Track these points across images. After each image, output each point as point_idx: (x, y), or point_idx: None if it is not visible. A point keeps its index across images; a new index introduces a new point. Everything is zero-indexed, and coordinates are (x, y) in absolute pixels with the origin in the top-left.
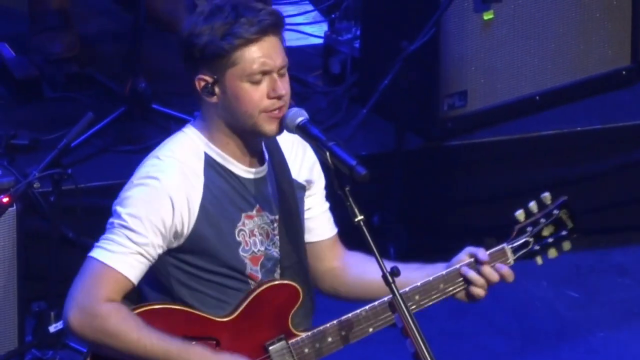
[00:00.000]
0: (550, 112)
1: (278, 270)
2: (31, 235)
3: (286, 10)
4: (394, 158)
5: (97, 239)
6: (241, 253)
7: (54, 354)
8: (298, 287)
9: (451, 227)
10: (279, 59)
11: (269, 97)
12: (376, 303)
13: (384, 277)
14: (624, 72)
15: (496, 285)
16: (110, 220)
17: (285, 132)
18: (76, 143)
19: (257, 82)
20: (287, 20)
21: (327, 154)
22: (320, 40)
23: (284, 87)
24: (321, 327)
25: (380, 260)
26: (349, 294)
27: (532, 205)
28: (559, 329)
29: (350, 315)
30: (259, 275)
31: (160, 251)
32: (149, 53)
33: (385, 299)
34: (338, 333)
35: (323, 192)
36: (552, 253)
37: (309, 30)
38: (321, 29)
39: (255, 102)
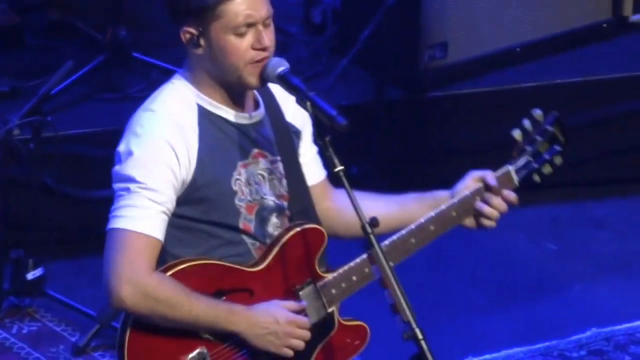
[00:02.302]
0: (530, 64)
1: (273, 219)
2: (10, 183)
3: None
4: (374, 109)
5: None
6: (237, 202)
7: (32, 301)
8: (323, 229)
9: (430, 178)
10: (263, 10)
11: (254, 49)
12: (394, 237)
13: (363, 227)
14: (604, 25)
15: (474, 236)
16: (121, 185)
17: None
18: (56, 90)
19: (242, 35)
20: None
21: (308, 103)
22: None
23: (268, 38)
24: (345, 267)
25: (359, 211)
26: (348, 231)
27: (527, 123)
28: (536, 282)
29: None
30: (252, 226)
31: (174, 205)
32: (131, 2)
33: (403, 231)
34: (361, 271)
35: (311, 137)
36: (547, 169)
37: None
38: None
39: (240, 53)
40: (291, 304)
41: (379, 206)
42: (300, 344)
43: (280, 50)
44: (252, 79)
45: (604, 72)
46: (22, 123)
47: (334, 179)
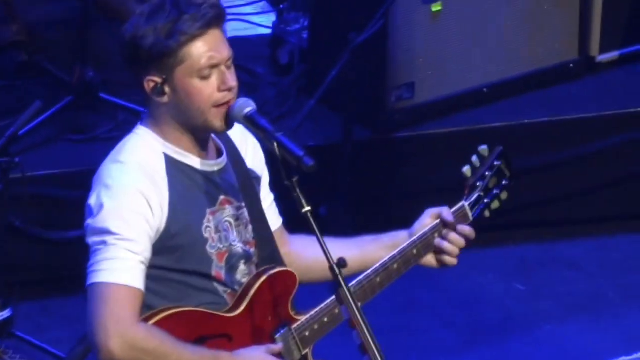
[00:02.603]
0: (498, 104)
1: (241, 267)
2: None
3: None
4: (342, 149)
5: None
6: (208, 249)
7: (0, 343)
8: (294, 272)
9: (398, 218)
10: (225, 51)
11: (219, 91)
12: (362, 277)
13: (331, 268)
14: (571, 65)
15: (443, 277)
16: (95, 239)
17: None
18: (24, 131)
19: (206, 77)
20: (236, 10)
21: (275, 144)
22: (269, 31)
23: (232, 79)
24: (317, 309)
25: (327, 252)
26: (308, 274)
27: (475, 159)
28: (506, 322)
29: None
30: (222, 273)
31: (151, 254)
32: (98, 41)
33: (369, 272)
34: (331, 312)
35: (268, 184)
36: (495, 204)
37: (257, 20)
38: (269, 19)
39: (205, 97)
40: (272, 347)
41: (338, 249)
42: None
43: (248, 90)
44: (217, 122)
45: (572, 111)
46: None
47: (300, 220)
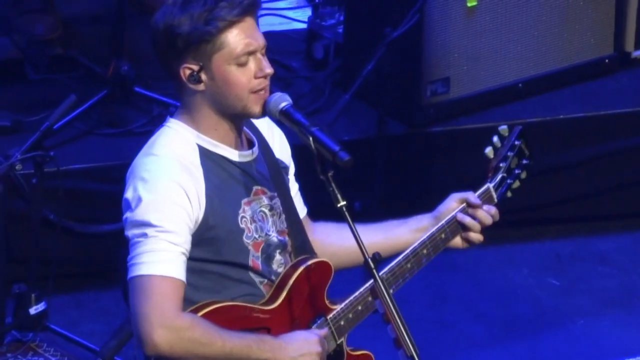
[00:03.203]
0: (533, 99)
1: (277, 256)
2: (13, 217)
3: None
4: (377, 144)
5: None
6: (245, 240)
7: (34, 336)
8: (329, 262)
9: None
10: (260, 39)
11: (256, 77)
12: (393, 264)
13: (366, 263)
14: (606, 61)
15: (477, 272)
16: (135, 231)
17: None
18: (59, 125)
19: (243, 64)
20: (271, 5)
21: (311, 139)
22: (304, 25)
23: (268, 65)
24: (351, 297)
25: (362, 247)
26: (334, 262)
27: (495, 140)
28: (539, 317)
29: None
30: (259, 263)
31: (191, 246)
32: (132, 36)
33: (399, 257)
34: (365, 300)
35: (294, 173)
36: (516, 184)
37: (293, 15)
38: (305, 13)
39: (244, 83)
40: (318, 331)
41: (366, 234)
42: None
43: (283, 85)
44: (256, 109)
45: (606, 107)
46: (24, 158)
47: (337, 214)
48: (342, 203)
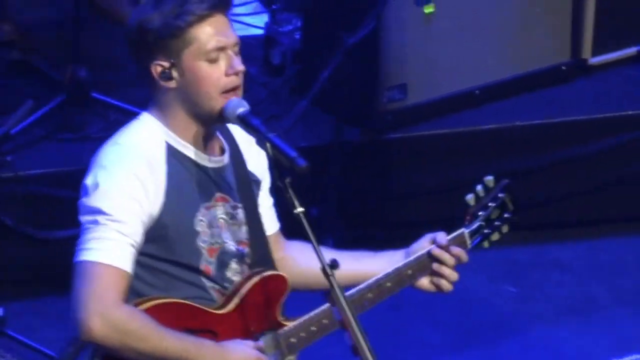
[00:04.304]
0: (489, 106)
1: (233, 265)
2: None
3: None
4: (334, 150)
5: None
6: (199, 243)
7: None
8: (286, 276)
9: (389, 220)
10: (232, 36)
11: (227, 75)
12: (353, 290)
13: (323, 269)
14: (563, 68)
15: None
16: (88, 217)
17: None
18: (16, 130)
19: (214, 60)
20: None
21: (268, 145)
22: (261, 31)
23: (239, 63)
24: (305, 317)
25: (319, 252)
26: (302, 280)
27: (479, 189)
28: (497, 324)
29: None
30: (211, 268)
31: (142, 239)
32: (90, 41)
33: (362, 286)
34: (319, 321)
35: (269, 188)
36: (495, 236)
37: (250, 21)
38: (262, 19)
39: (214, 80)
40: (257, 343)
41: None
42: None
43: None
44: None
45: (564, 114)
46: None
47: (293, 221)
48: (300, 209)
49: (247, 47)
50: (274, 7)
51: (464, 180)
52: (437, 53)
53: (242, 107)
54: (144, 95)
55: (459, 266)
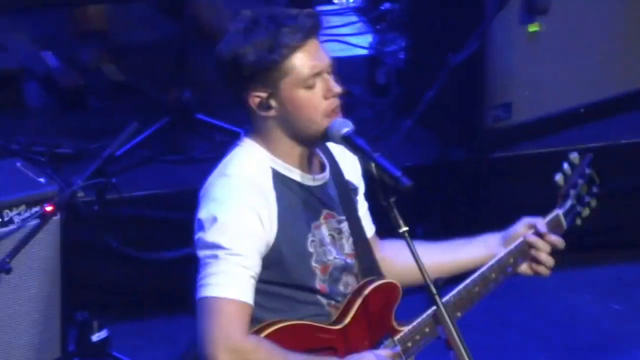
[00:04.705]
0: (594, 124)
1: (343, 278)
2: (75, 245)
3: (332, 20)
4: (439, 169)
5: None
6: (313, 264)
7: None
8: (397, 283)
9: None
10: (325, 58)
11: (326, 98)
12: (461, 288)
13: (428, 290)
14: None
15: (538, 297)
16: (207, 252)
17: None
18: (120, 152)
19: (311, 87)
20: (333, 31)
21: (373, 165)
22: (366, 51)
23: (336, 85)
24: (418, 319)
25: (425, 272)
26: (399, 280)
27: (566, 167)
28: (601, 343)
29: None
30: (326, 286)
31: (260, 269)
32: (194, 63)
33: (467, 282)
34: (433, 323)
35: (363, 193)
36: (586, 212)
37: (355, 41)
38: (366, 40)
39: (314, 106)
40: (386, 351)
41: (431, 255)
42: None
43: (345, 111)
44: None
45: None
46: (86, 185)
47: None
48: (405, 229)
49: (351, 67)
50: (378, 27)
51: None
52: (541, 71)
53: (347, 127)
54: (247, 117)
55: (565, 285)
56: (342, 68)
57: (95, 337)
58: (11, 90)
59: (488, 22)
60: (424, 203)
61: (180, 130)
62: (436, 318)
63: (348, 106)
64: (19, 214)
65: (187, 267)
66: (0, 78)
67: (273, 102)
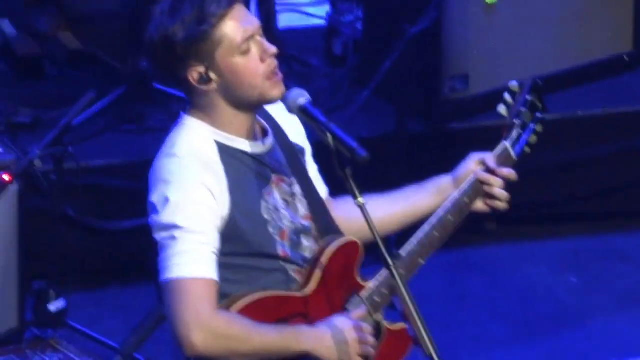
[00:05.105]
0: (551, 96)
1: (304, 242)
2: (32, 214)
3: None
4: (395, 140)
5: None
6: (270, 230)
7: (54, 333)
8: (357, 241)
9: None
10: (255, 21)
11: (262, 61)
12: (421, 235)
13: (385, 262)
14: (625, 57)
15: (497, 270)
16: (164, 234)
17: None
18: (78, 121)
19: (246, 52)
20: (290, 0)
21: (329, 135)
22: (323, 22)
23: (270, 45)
24: (382, 273)
25: (382, 245)
26: (358, 238)
27: (507, 97)
28: (559, 315)
29: (401, 252)
30: (287, 250)
31: (219, 243)
32: None
33: (426, 227)
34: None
35: (311, 154)
36: (533, 139)
37: (311, 11)
38: (323, 10)
39: (253, 70)
40: (355, 312)
41: (385, 206)
42: (370, 351)
43: (301, 81)
44: (274, 93)
45: (625, 104)
46: (43, 154)
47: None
48: (361, 200)
49: (308, 37)
50: None
51: (525, 170)
52: (498, 43)
53: (303, 98)
54: (186, 95)
55: (522, 258)
56: (299, 38)
57: (53, 307)
58: None
59: None
60: (381, 174)
61: (137, 100)
62: (392, 289)
63: (305, 77)
64: None
65: (144, 236)
66: None
67: (212, 75)
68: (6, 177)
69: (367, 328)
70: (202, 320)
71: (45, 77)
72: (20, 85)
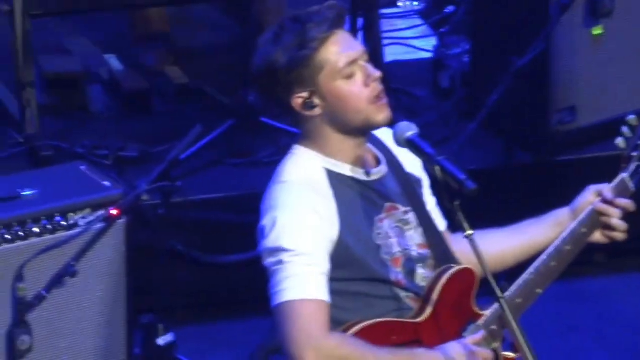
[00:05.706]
0: None
1: (419, 270)
2: (140, 248)
3: (395, 24)
4: (504, 173)
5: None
6: (383, 256)
7: None
8: (473, 268)
9: None
10: (358, 46)
11: (366, 85)
12: (536, 263)
13: (496, 297)
14: None
15: (610, 302)
16: (272, 259)
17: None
18: (185, 155)
19: (350, 76)
20: (397, 34)
21: (437, 168)
22: (430, 55)
23: (374, 70)
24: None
25: (491, 277)
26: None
27: (625, 130)
28: None
29: (519, 281)
30: (401, 278)
31: (329, 265)
32: None
33: (543, 257)
34: (514, 303)
35: (429, 186)
36: None
37: (418, 44)
38: (430, 43)
39: (357, 95)
40: (471, 338)
41: (502, 241)
42: None
43: (409, 114)
44: (379, 117)
45: None
46: (151, 188)
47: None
48: (470, 232)
49: (415, 70)
50: (442, 30)
51: (636, 201)
52: (606, 74)
53: (411, 130)
54: (294, 124)
55: (633, 288)
56: (405, 71)
57: (161, 341)
58: (75, 93)
59: (552, 24)
60: (489, 207)
61: (244, 133)
62: (502, 321)
63: (412, 109)
64: (83, 217)
65: (252, 270)
66: (65, 81)
67: (316, 100)
68: (114, 212)
69: (485, 354)
70: (314, 340)
71: (152, 112)
72: (127, 120)
